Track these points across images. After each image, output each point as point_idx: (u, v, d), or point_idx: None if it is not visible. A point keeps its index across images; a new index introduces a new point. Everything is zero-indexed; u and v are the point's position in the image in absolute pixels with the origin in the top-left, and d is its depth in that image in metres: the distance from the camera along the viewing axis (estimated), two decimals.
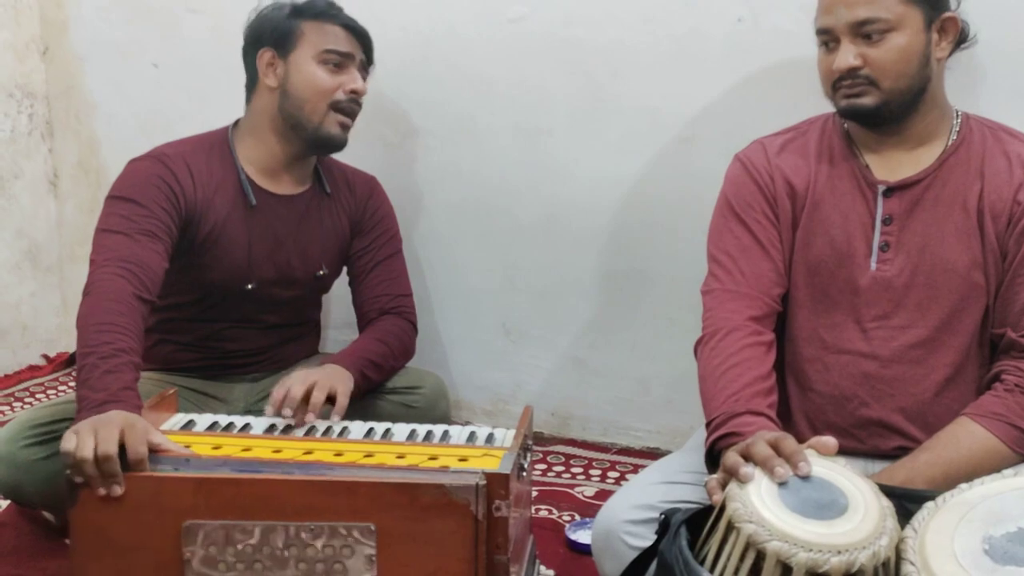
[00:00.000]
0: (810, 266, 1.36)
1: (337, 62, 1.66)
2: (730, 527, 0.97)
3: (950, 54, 1.34)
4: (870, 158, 1.36)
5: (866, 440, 1.33)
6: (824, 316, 1.35)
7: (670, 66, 1.88)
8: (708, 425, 1.24)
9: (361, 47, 1.70)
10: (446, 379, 1.84)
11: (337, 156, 1.79)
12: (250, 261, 1.68)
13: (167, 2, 2.31)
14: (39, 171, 2.57)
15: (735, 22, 1.81)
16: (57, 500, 1.30)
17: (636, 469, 1.98)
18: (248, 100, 1.72)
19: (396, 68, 2.03)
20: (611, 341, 2.08)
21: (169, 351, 1.73)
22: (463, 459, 1.24)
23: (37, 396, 2.42)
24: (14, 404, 2.36)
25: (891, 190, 1.32)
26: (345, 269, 1.86)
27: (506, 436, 1.35)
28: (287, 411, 1.42)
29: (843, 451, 1.08)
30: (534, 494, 1.85)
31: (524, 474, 1.29)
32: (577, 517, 1.79)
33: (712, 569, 0.98)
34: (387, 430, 1.40)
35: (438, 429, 1.39)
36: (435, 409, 1.70)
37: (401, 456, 1.26)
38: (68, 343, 2.60)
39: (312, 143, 1.69)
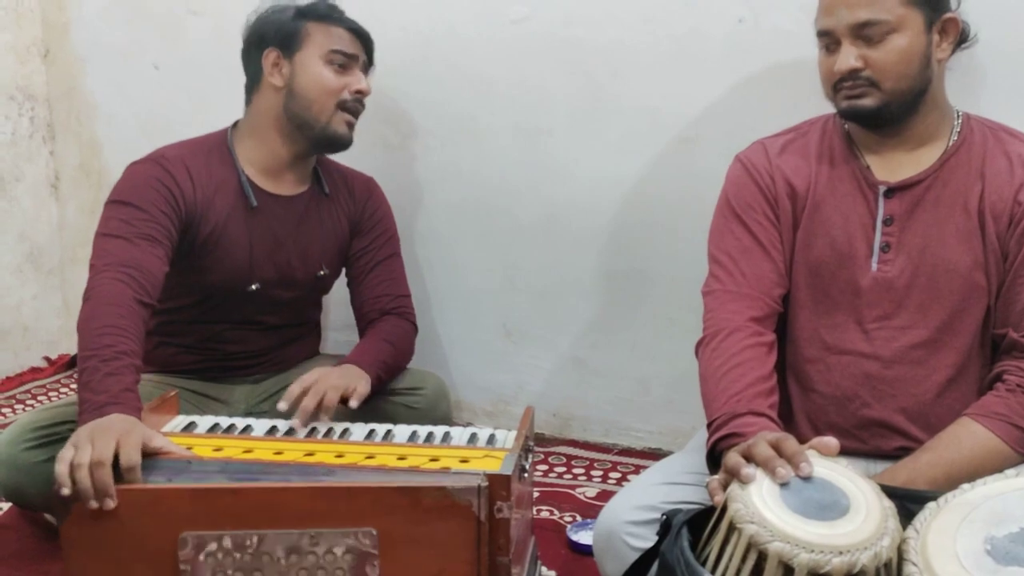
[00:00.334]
0: (811, 267, 1.36)
1: (342, 63, 1.67)
2: (732, 528, 0.97)
3: (950, 55, 1.34)
4: (871, 159, 1.35)
5: (868, 441, 1.33)
6: (825, 317, 1.35)
7: (670, 66, 1.88)
8: (709, 426, 1.24)
9: (363, 49, 1.72)
10: (447, 380, 1.84)
11: (344, 155, 1.79)
12: (251, 262, 1.68)
13: (168, 4, 2.32)
14: (40, 174, 2.57)
15: (735, 22, 1.81)
16: None
17: (637, 470, 1.98)
18: (249, 101, 1.72)
19: (396, 68, 2.03)
20: (612, 341, 2.08)
21: (170, 353, 1.73)
22: (464, 460, 1.24)
23: (38, 398, 2.43)
24: (15, 406, 2.36)
25: (892, 191, 1.32)
26: (344, 270, 1.86)
27: (507, 437, 1.35)
28: (304, 413, 1.41)
29: (845, 452, 1.08)
30: (536, 495, 1.85)
31: (526, 475, 1.29)
32: (579, 518, 1.78)
33: (714, 570, 0.98)
34: (388, 431, 1.40)
35: (439, 430, 1.39)
36: (436, 410, 1.70)
37: (402, 458, 1.26)
38: (69, 345, 2.60)
39: (319, 142, 1.69)
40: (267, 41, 1.67)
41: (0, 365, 2.53)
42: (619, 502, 1.28)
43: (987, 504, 0.94)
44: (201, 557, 1.13)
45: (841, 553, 0.91)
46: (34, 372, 2.57)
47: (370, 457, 1.26)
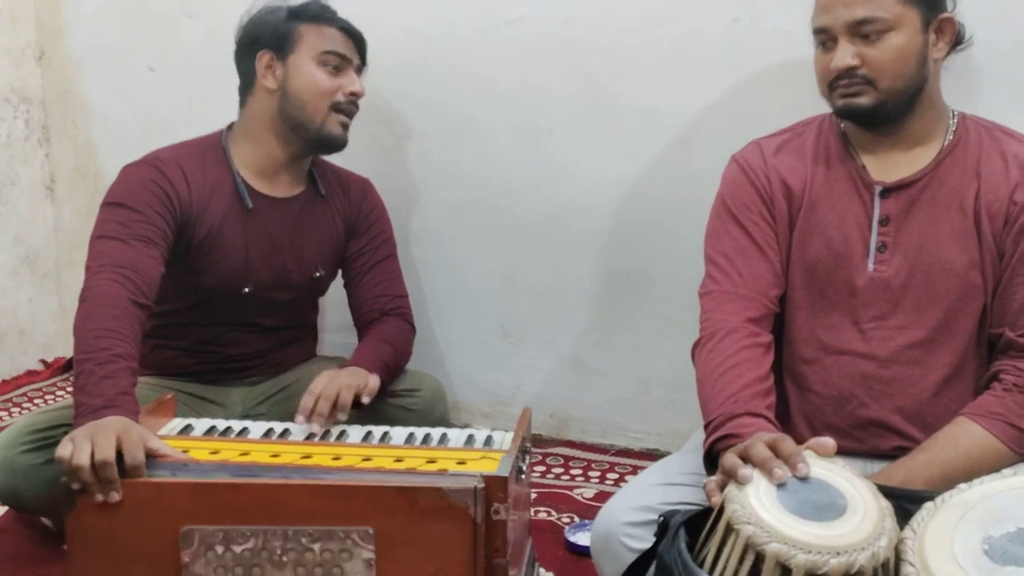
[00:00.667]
0: (807, 267, 1.36)
1: (336, 64, 1.67)
2: (729, 529, 0.97)
3: (946, 55, 1.34)
4: (867, 159, 1.35)
5: (865, 440, 1.33)
6: (822, 317, 1.35)
7: (669, 67, 1.88)
8: (706, 427, 1.24)
9: (357, 50, 1.71)
10: (444, 381, 1.84)
11: (340, 156, 1.79)
12: (247, 264, 1.68)
13: (164, 6, 2.31)
14: (36, 176, 2.57)
15: (733, 23, 1.81)
16: (55, 506, 1.29)
17: (635, 471, 1.98)
18: (243, 103, 1.72)
19: (395, 68, 2.03)
20: (610, 342, 2.07)
21: (166, 356, 1.73)
22: (461, 462, 1.24)
23: (35, 401, 2.42)
24: (12, 409, 2.35)
25: (888, 191, 1.32)
26: (340, 272, 1.85)
27: (504, 438, 1.35)
28: (319, 418, 1.42)
29: (842, 452, 1.08)
30: (533, 496, 1.84)
31: (523, 476, 1.29)
32: (576, 519, 1.78)
33: (711, 571, 0.97)
34: (385, 433, 1.40)
35: (436, 432, 1.39)
36: (433, 411, 1.70)
37: (399, 459, 1.26)
38: (66, 348, 2.59)
39: (314, 143, 1.69)
40: (260, 43, 1.67)
41: None
42: (617, 503, 1.28)
43: (984, 504, 0.94)
44: (202, 552, 1.14)
45: (838, 554, 0.91)
46: (30, 375, 2.57)
47: (367, 459, 1.26)
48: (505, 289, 2.14)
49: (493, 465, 1.19)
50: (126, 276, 1.44)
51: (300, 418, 1.43)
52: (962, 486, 0.98)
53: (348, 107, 1.69)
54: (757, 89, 1.81)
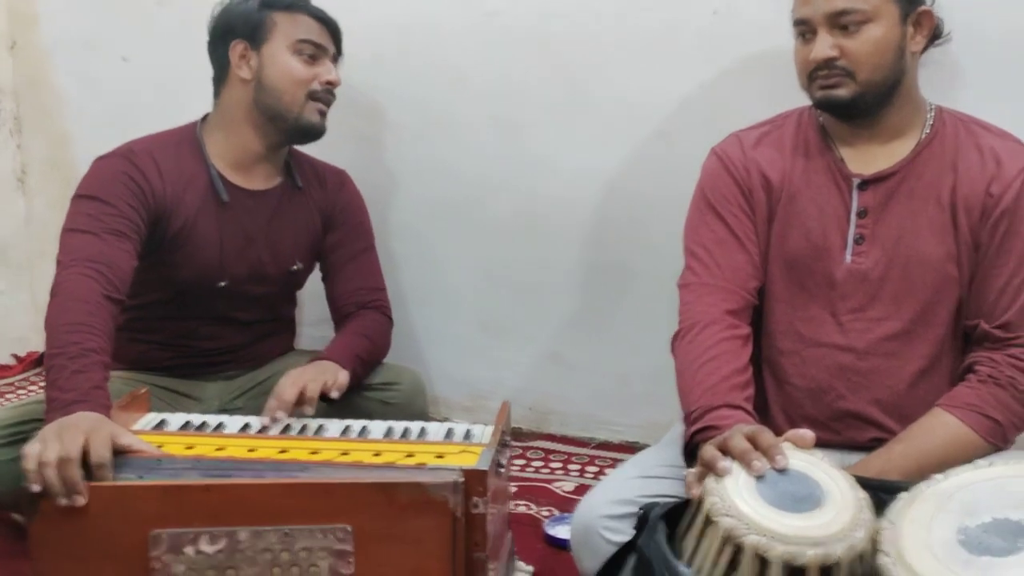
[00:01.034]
0: (786, 259, 1.36)
1: (311, 53, 1.65)
2: (708, 521, 0.97)
3: (924, 49, 1.35)
4: (845, 151, 1.36)
5: (842, 432, 1.34)
6: (800, 309, 1.36)
7: (648, 59, 1.88)
8: (686, 419, 1.24)
9: (332, 39, 1.70)
10: (423, 375, 1.83)
11: (317, 148, 1.77)
12: (222, 258, 1.66)
13: None
14: (7, 167, 2.53)
15: (711, 15, 1.81)
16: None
17: (615, 464, 1.98)
18: (217, 94, 1.70)
19: (372, 61, 2.02)
20: (590, 336, 2.07)
21: (142, 350, 1.71)
22: (440, 456, 1.23)
23: (7, 396, 2.39)
24: None
25: (866, 183, 1.33)
26: (318, 265, 1.84)
27: (484, 432, 1.34)
28: (281, 414, 1.41)
29: (819, 443, 1.08)
30: (513, 490, 1.84)
31: (502, 470, 1.28)
32: (556, 512, 1.78)
33: (690, 563, 0.98)
34: (363, 427, 1.39)
35: (415, 426, 1.38)
36: (412, 405, 1.70)
37: (378, 454, 1.25)
38: (38, 342, 2.56)
39: (292, 133, 1.68)
40: (233, 33, 1.65)
41: None
42: (596, 496, 1.28)
43: (960, 494, 0.94)
44: (172, 555, 1.11)
45: (816, 545, 0.91)
46: (2, 370, 2.53)
47: (345, 453, 1.25)
48: (484, 283, 2.13)
49: (472, 459, 1.19)
50: (98, 270, 1.42)
51: (266, 419, 1.42)
52: (938, 477, 0.98)
53: (325, 96, 1.67)
54: (736, 81, 1.81)
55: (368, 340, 1.70)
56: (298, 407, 1.45)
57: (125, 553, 1.12)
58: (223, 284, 1.67)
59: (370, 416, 1.46)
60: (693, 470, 1.06)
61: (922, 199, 1.31)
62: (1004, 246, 1.28)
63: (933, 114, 1.36)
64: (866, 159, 1.34)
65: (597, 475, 1.96)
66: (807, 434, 1.06)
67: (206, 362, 1.74)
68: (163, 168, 1.60)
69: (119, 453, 1.17)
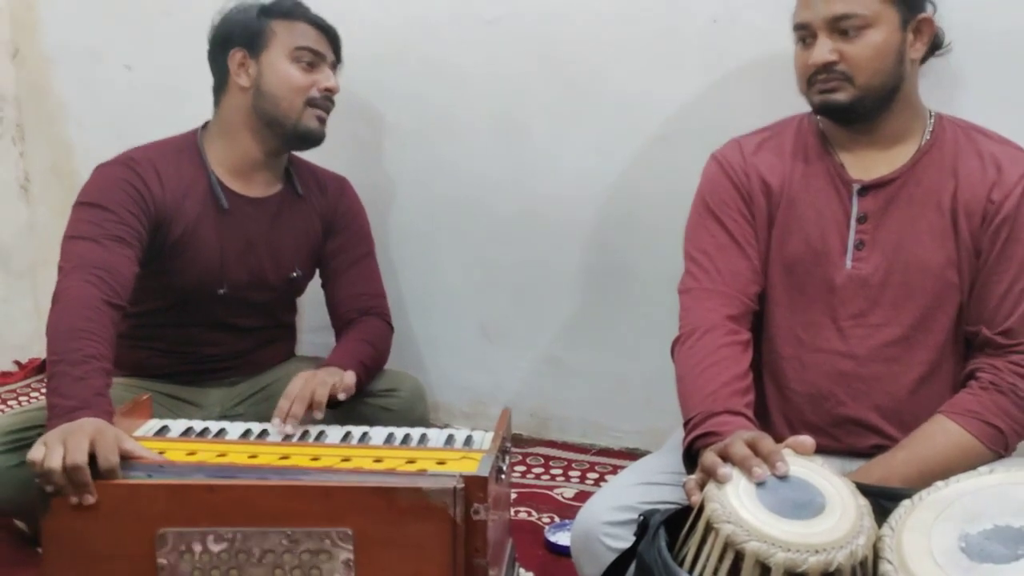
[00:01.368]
0: (786, 264, 1.36)
1: (310, 60, 1.66)
2: (709, 528, 0.97)
3: (924, 59, 1.36)
4: (845, 157, 1.36)
5: (843, 439, 1.34)
6: (801, 315, 1.36)
7: (647, 64, 1.89)
8: (686, 425, 1.24)
9: (331, 46, 1.70)
10: (424, 381, 1.83)
11: (316, 153, 1.77)
12: (222, 265, 1.66)
13: (139, 3, 2.29)
14: (10, 175, 2.53)
15: (712, 21, 1.82)
16: (29, 509, 1.28)
17: (615, 470, 1.98)
18: (217, 102, 1.70)
19: (373, 64, 2.02)
20: (590, 341, 2.07)
21: (143, 357, 1.71)
22: (441, 462, 1.23)
23: (9, 403, 2.39)
24: None
25: (866, 189, 1.33)
26: (317, 271, 1.84)
27: (484, 438, 1.34)
28: (293, 420, 1.40)
29: (820, 450, 1.08)
30: (513, 496, 1.84)
31: (503, 476, 1.28)
32: (556, 519, 1.78)
33: (691, 570, 0.97)
34: (364, 434, 1.39)
35: (416, 432, 1.38)
36: (413, 411, 1.69)
37: (378, 460, 1.25)
38: (40, 349, 2.54)
39: (291, 139, 1.68)
40: (232, 41, 1.65)
41: None
42: (597, 503, 1.28)
43: (961, 501, 0.94)
44: (178, 554, 1.12)
45: (817, 552, 0.91)
46: (4, 377, 2.54)
47: (346, 460, 1.25)
48: (484, 288, 2.13)
49: (473, 465, 1.19)
50: (100, 277, 1.42)
51: (276, 421, 1.42)
52: (939, 484, 0.98)
53: (323, 102, 1.68)
54: (735, 87, 1.82)
55: (371, 347, 1.70)
56: (308, 411, 1.44)
57: (133, 550, 1.13)
58: (223, 291, 1.67)
59: (371, 422, 1.45)
60: (693, 476, 1.06)
61: (922, 205, 1.31)
62: (1005, 252, 1.28)
63: (933, 121, 1.36)
64: (866, 165, 1.34)
65: (598, 481, 1.96)
66: (807, 441, 1.06)
67: (207, 369, 1.74)
68: (164, 175, 1.61)
69: (123, 459, 1.18)
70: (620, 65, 1.91)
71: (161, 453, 1.24)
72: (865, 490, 1.01)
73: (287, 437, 1.39)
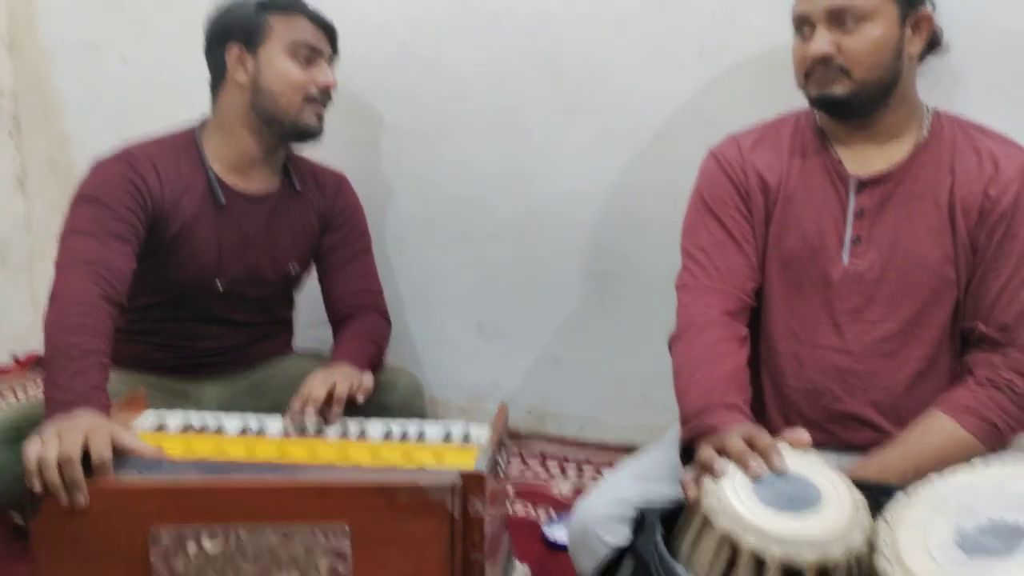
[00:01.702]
0: (783, 260, 1.36)
1: (307, 55, 1.65)
2: (705, 522, 0.97)
3: (922, 56, 1.36)
4: (842, 152, 1.36)
5: (839, 434, 1.34)
6: (797, 310, 1.36)
7: (646, 63, 1.88)
8: (682, 419, 1.24)
9: (328, 40, 1.70)
10: (421, 377, 1.83)
11: (313, 153, 1.77)
12: (219, 260, 1.66)
13: None
14: (7, 168, 2.53)
15: (710, 20, 1.82)
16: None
17: (612, 465, 1.98)
18: (214, 98, 1.70)
19: (372, 66, 2.02)
20: (587, 338, 2.08)
21: (141, 351, 1.71)
22: (439, 458, 1.23)
23: (7, 398, 2.39)
24: None
25: (863, 184, 1.33)
26: (315, 266, 1.84)
27: (482, 434, 1.34)
28: (311, 411, 1.40)
29: (816, 445, 1.08)
30: (510, 492, 1.84)
31: (500, 472, 1.29)
32: (553, 514, 1.78)
33: (687, 565, 0.98)
34: (362, 429, 1.38)
35: (413, 428, 1.38)
36: (410, 407, 1.69)
37: (377, 455, 1.25)
38: (38, 343, 2.54)
39: (290, 135, 1.68)
40: (229, 36, 1.65)
41: None
42: (593, 498, 1.28)
43: (957, 496, 0.95)
44: (173, 553, 1.12)
45: (813, 546, 0.92)
46: (1, 371, 2.53)
47: (344, 455, 1.25)
48: (482, 285, 2.13)
49: (471, 461, 1.19)
50: (97, 272, 1.42)
51: (286, 420, 1.41)
52: (935, 478, 0.99)
53: (321, 98, 1.67)
54: (734, 85, 1.82)
55: (376, 345, 1.71)
56: (326, 406, 1.44)
57: (126, 551, 1.13)
58: (220, 286, 1.67)
59: (368, 418, 1.45)
60: (690, 471, 1.06)
61: (919, 201, 1.31)
62: (1002, 248, 1.28)
63: (931, 117, 1.36)
64: (863, 160, 1.35)
65: (594, 477, 1.96)
66: (803, 435, 1.06)
67: (204, 363, 1.74)
68: (161, 171, 1.60)
69: (119, 453, 1.18)
70: (618, 65, 1.91)
71: (158, 447, 1.23)
72: (861, 485, 1.01)
73: (303, 431, 1.39)
